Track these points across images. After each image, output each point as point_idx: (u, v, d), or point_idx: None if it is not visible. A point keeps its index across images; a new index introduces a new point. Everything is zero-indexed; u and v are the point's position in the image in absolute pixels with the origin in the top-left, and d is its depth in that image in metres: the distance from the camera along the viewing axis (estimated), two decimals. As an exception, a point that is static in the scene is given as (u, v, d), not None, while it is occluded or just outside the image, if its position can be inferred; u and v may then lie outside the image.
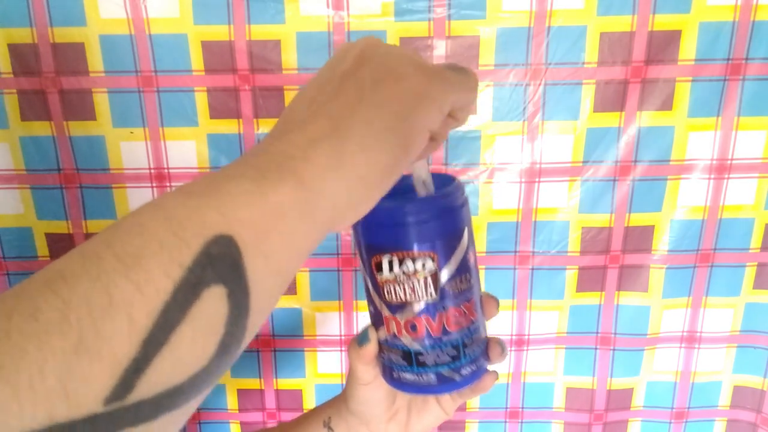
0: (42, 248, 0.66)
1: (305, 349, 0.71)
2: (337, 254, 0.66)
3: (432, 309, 0.34)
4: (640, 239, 0.65)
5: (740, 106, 0.60)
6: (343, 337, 0.70)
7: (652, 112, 0.61)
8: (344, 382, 0.71)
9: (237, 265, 0.21)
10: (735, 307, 0.67)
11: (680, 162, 0.62)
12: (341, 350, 0.71)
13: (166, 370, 0.18)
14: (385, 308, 0.35)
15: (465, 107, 0.30)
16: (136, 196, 0.64)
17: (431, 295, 0.33)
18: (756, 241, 0.65)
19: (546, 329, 0.69)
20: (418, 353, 0.35)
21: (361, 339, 0.37)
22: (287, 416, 0.73)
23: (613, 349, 0.69)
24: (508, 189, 0.64)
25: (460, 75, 0.29)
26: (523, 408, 0.72)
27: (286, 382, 0.72)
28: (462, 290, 0.34)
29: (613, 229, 0.65)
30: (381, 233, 0.34)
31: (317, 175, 0.23)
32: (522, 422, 0.73)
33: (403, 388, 0.37)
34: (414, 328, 0.34)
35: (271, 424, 0.74)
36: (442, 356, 0.35)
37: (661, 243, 0.65)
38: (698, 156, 0.62)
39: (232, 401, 0.73)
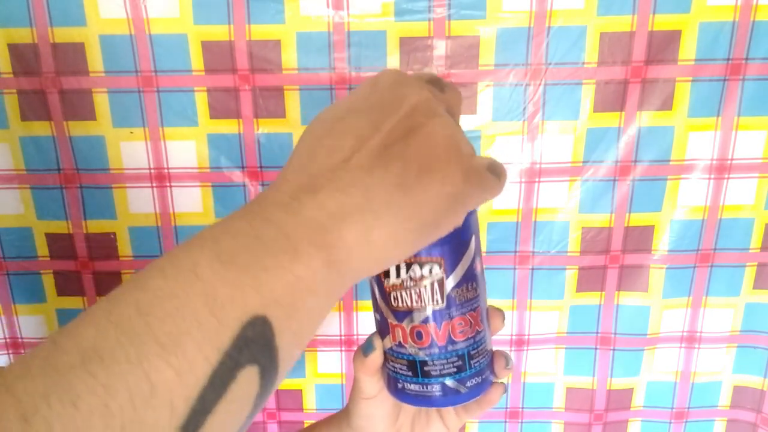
0: (42, 248, 0.66)
1: (305, 349, 0.71)
2: (337, 254, 0.66)
3: (438, 317, 0.34)
4: (640, 239, 0.65)
5: (740, 106, 0.60)
6: (343, 337, 0.70)
7: (652, 112, 0.61)
8: (344, 382, 0.72)
9: (270, 345, 0.21)
10: (735, 307, 0.67)
11: (680, 162, 0.62)
12: (341, 350, 0.71)
13: None
14: (391, 315, 0.35)
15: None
16: (136, 196, 0.64)
17: (437, 302, 0.33)
18: (756, 241, 0.65)
19: (546, 329, 0.69)
20: (423, 362, 0.34)
21: (366, 348, 0.37)
22: (287, 416, 0.73)
23: (613, 349, 0.69)
24: (508, 189, 0.64)
25: (497, 180, 0.29)
26: (523, 408, 0.72)
27: (286, 382, 0.72)
28: (468, 299, 0.34)
29: (613, 229, 0.65)
30: None
31: (345, 254, 0.24)
32: (522, 422, 0.73)
33: (408, 400, 0.36)
34: (420, 336, 0.34)
35: (271, 424, 0.74)
36: (447, 366, 0.34)
37: (661, 243, 0.65)
38: (698, 156, 0.62)
39: (232, 401, 0.73)
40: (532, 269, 0.67)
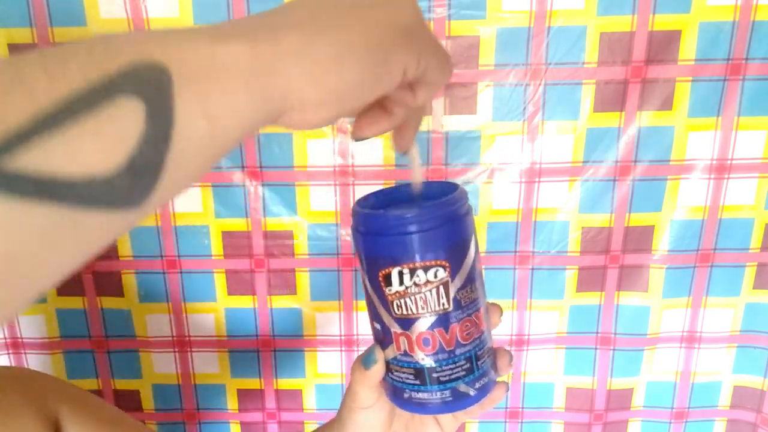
0: (42, 248, 0.66)
1: (305, 349, 0.71)
2: (337, 254, 0.66)
3: (445, 321, 0.33)
4: (640, 239, 0.65)
5: (740, 106, 0.60)
6: (343, 337, 0.70)
7: (652, 112, 0.61)
8: (344, 382, 0.72)
9: (164, 91, 0.20)
10: (735, 307, 0.67)
11: (680, 162, 0.62)
12: (341, 350, 0.71)
13: (57, 155, 0.18)
14: (395, 324, 0.33)
15: (432, 82, 0.30)
16: (136, 196, 0.64)
17: (444, 305, 0.32)
18: (756, 241, 0.65)
19: (546, 329, 0.69)
20: (431, 370, 0.33)
21: (367, 360, 0.35)
22: (287, 416, 0.73)
23: (613, 349, 0.69)
24: (508, 189, 0.64)
25: (443, 48, 0.30)
26: (523, 408, 0.72)
27: (286, 382, 0.72)
28: (473, 300, 0.34)
29: (613, 229, 0.65)
30: (389, 244, 0.32)
31: (276, 52, 0.23)
32: (522, 422, 0.73)
33: (416, 410, 0.35)
34: (427, 342, 0.33)
35: (271, 424, 0.74)
36: (457, 370, 0.33)
37: (661, 243, 0.65)
38: (698, 156, 0.62)
39: (232, 401, 0.73)
40: (532, 269, 0.67)
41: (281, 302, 0.69)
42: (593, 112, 0.61)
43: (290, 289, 0.68)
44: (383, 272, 0.33)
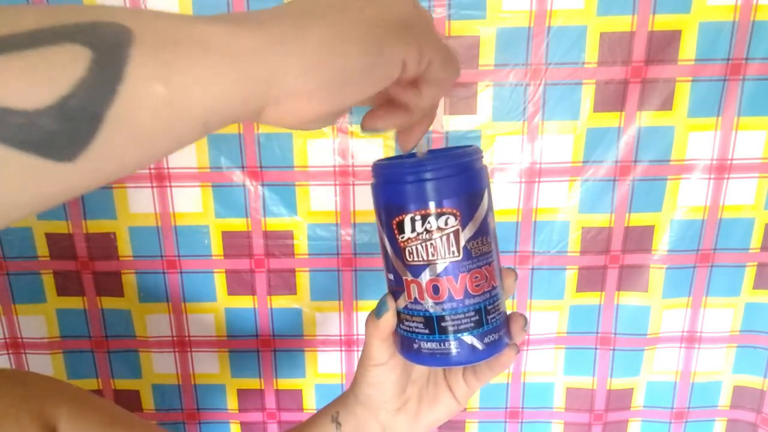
0: (42, 248, 0.66)
1: (305, 349, 0.71)
2: (337, 254, 0.66)
3: (455, 269, 0.33)
4: (640, 239, 0.65)
5: (740, 106, 0.60)
6: (343, 338, 0.70)
7: (652, 112, 0.61)
8: (344, 382, 0.72)
9: (120, 47, 0.19)
10: (735, 307, 0.67)
11: (680, 162, 0.62)
12: (341, 350, 0.71)
13: None
14: (406, 271, 0.34)
15: (437, 79, 0.29)
16: (136, 196, 0.64)
17: (453, 253, 0.33)
18: (756, 241, 0.65)
19: (546, 329, 0.69)
20: (440, 318, 0.34)
21: (380, 309, 0.36)
22: (287, 416, 0.73)
23: (613, 349, 0.69)
24: (508, 189, 0.64)
25: (446, 45, 0.29)
26: (523, 408, 0.72)
27: (286, 382, 0.72)
28: (483, 252, 0.34)
29: (613, 229, 0.65)
30: (402, 191, 0.33)
31: (261, 37, 0.22)
32: (522, 422, 0.73)
33: (424, 361, 0.36)
34: (436, 290, 0.34)
35: (271, 424, 0.74)
36: (465, 321, 0.34)
37: (661, 243, 0.65)
38: (698, 156, 0.62)
39: (232, 401, 0.73)
40: (532, 269, 0.67)
41: (281, 302, 0.69)
42: (593, 112, 0.61)
43: (290, 289, 0.68)
44: (397, 219, 0.34)
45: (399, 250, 0.34)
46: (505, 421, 0.73)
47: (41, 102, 0.18)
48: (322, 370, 0.72)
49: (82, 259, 0.66)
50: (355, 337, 0.70)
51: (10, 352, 0.71)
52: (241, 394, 0.73)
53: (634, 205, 0.64)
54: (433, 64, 0.28)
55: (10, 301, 0.68)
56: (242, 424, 0.74)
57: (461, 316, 0.34)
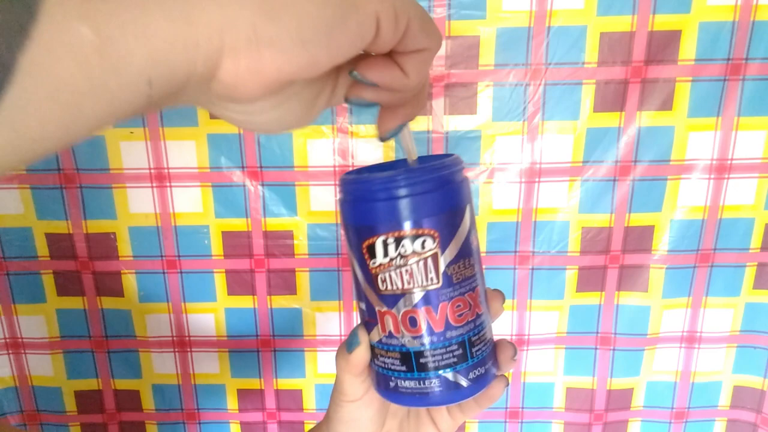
0: (42, 248, 0.66)
1: (305, 349, 0.71)
2: (337, 254, 0.66)
3: (433, 298, 0.30)
4: (640, 239, 0.65)
5: (740, 106, 0.60)
6: (343, 337, 0.70)
7: (652, 112, 0.61)
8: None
9: (24, 26, 0.16)
10: (735, 307, 0.67)
11: (680, 162, 0.62)
12: (341, 350, 0.70)
13: None
14: (380, 302, 0.30)
15: (418, 48, 0.26)
16: (136, 197, 0.64)
17: (432, 280, 0.29)
18: (756, 241, 0.65)
19: (546, 329, 0.69)
20: (418, 354, 0.30)
21: (351, 342, 0.32)
22: (287, 416, 0.73)
23: (613, 349, 0.69)
24: (508, 189, 0.64)
25: (423, 9, 0.26)
26: (523, 408, 0.72)
27: (286, 382, 0.72)
28: (466, 277, 0.30)
29: (613, 229, 0.65)
30: (373, 210, 0.29)
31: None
32: (522, 422, 0.73)
33: (403, 401, 0.32)
34: (413, 322, 0.30)
35: (271, 424, 0.74)
36: (447, 356, 0.30)
37: (661, 243, 0.65)
38: (698, 156, 0.62)
39: (232, 401, 0.73)
40: (532, 269, 0.67)
41: (281, 302, 0.69)
42: (593, 112, 0.61)
43: (290, 289, 0.68)
44: (367, 242, 0.30)
45: (370, 278, 0.30)
46: (505, 421, 0.73)
47: None
48: (322, 370, 0.72)
49: (82, 259, 0.66)
50: (355, 337, 0.70)
51: (10, 352, 0.71)
52: (241, 394, 0.73)
53: (634, 205, 0.64)
54: (412, 29, 0.24)
55: (10, 301, 0.68)
56: (242, 424, 0.74)
57: (442, 350, 0.30)
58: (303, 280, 0.68)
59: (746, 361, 0.69)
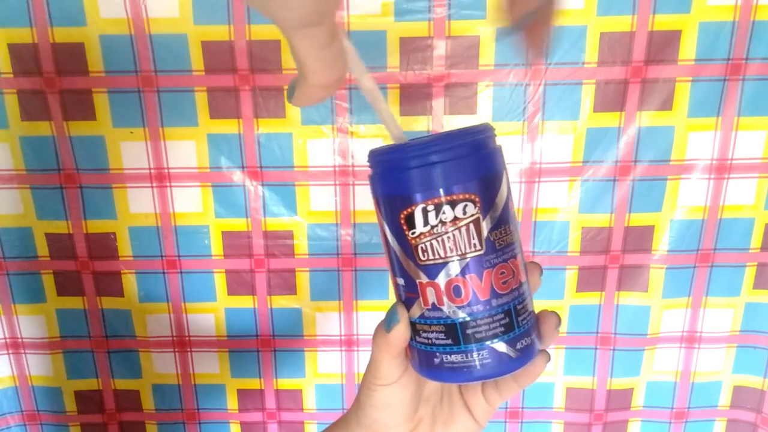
0: (42, 248, 0.66)
1: (305, 349, 0.71)
2: (337, 254, 0.66)
3: (478, 265, 0.29)
4: (640, 239, 0.65)
5: (740, 106, 0.60)
6: (343, 337, 0.70)
7: (652, 112, 0.61)
8: (344, 382, 0.72)
9: None
10: (735, 307, 0.67)
11: (680, 162, 0.62)
12: (341, 350, 0.71)
13: None
14: (420, 273, 0.29)
15: None
16: (136, 197, 0.64)
17: (475, 246, 0.28)
18: (756, 241, 0.65)
19: (546, 329, 0.69)
20: (464, 324, 0.29)
21: (390, 320, 0.31)
22: (287, 416, 0.73)
23: (613, 349, 0.69)
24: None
25: None
26: (523, 408, 0.72)
27: (286, 382, 0.72)
28: (507, 243, 0.29)
29: (613, 229, 0.65)
30: (410, 178, 0.28)
31: None
32: (522, 422, 0.73)
33: (447, 377, 0.30)
34: (458, 291, 0.29)
35: (271, 424, 0.74)
36: (494, 326, 0.29)
37: (661, 243, 0.65)
38: (698, 156, 0.62)
39: (232, 401, 0.73)
40: (532, 269, 0.66)
41: (281, 302, 0.69)
42: (593, 112, 0.61)
43: (290, 289, 0.68)
44: (405, 212, 0.29)
45: (410, 249, 0.29)
46: (505, 421, 0.73)
47: None
48: (322, 370, 0.72)
49: (82, 259, 0.66)
50: (356, 337, 0.70)
51: (10, 351, 0.71)
52: (241, 394, 0.73)
53: (634, 205, 0.64)
54: None
55: (10, 301, 0.68)
56: (242, 424, 0.74)
57: (489, 320, 0.29)
58: (303, 280, 0.68)
59: (746, 361, 0.69)
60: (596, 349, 0.69)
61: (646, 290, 0.67)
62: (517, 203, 0.64)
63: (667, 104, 0.61)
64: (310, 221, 0.65)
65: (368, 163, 0.32)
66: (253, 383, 0.72)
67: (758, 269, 0.66)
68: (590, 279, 0.67)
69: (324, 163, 0.63)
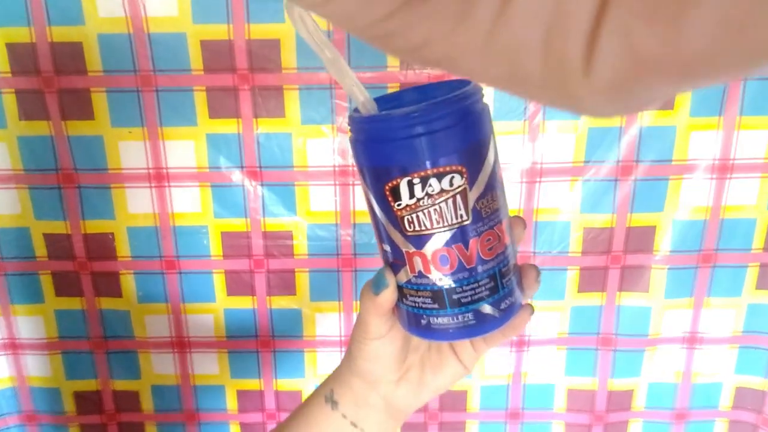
0: (40, 248, 0.66)
1: (305, 349, 0.70)
2: (337, 254, 0.66)
3: (464, 235, 0.29)
4: (641, 239, 0.65)
5: (742, 106, 0.60)
6: (342, 338, 0.70)
7: (654, 111, 0.60)
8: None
9: None
10: (737, 308, 0.67)
11: (682, 162, 0.62)
12: (341, 350, 0.70)
13: None
14: (407, 243, 0.29)
15: None
16: (135, 196, 0.64)
17: (461, 217, 0.28)
18: (758, 242, 0.64)
19: (547, 330, 0.69)
20: (451, 291, 0.30)
21: (378, 284, 0.32)
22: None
23: (614, 350, 0.69)
24: (509, 189, 0.63)
25: None
26: (523, 409, 0.72)
27: (285, 383, 0.72)
28: (494, 210, 0.29)
29: (614, 229, 0.64)
30: (394, 150, 0.28)
31: None
32: (522, 423, 0.72)
33: (434, 336, 0.32)
34: (445, 260, 0.29)
35: (271, 424, 0.73)
36: (480, 290, 0.30)
37: (663, 243, 0.65)
38: (700, 156, 0.62)
39: (231, 402, 0.73)
40: (533, 270, 0.66)
41: (281, 303, 0.68)
42: (595, 111, 0.61)
43: (290, 289, 0.68)
44: (390, 185, 0.29)
45: (395, 220, 0.29)
46: (506, 422, 0.72)
47: None
48: (322, 371, 0.71)
49: (81, 260, 0.66)
50: (355, 337, 0.69)
51: (8, 352, 0.70)
52: (241, 394, 0.72)
53: (635, 205, 0.64)
54: None
55: (7, 301, 0.68)
56: (242, 424, 0.74)
57: (474, 285, 0.30)
58: (302, 280, 0.67)
59: (748, 362, 0.69)
60: (597, 349, 0.69)
61: (647, 291, 0.66)
62: (518, 203, 0.64)
63: (668, 104, 0.60)
64: (310, 221, 0.65)
65: (348, 128, 0.31)
66: (252, 384, 0.72)
67: (761, 270, 0.65)
68: (591, 279, 0.66)
69: (324, 163, 0.63)
